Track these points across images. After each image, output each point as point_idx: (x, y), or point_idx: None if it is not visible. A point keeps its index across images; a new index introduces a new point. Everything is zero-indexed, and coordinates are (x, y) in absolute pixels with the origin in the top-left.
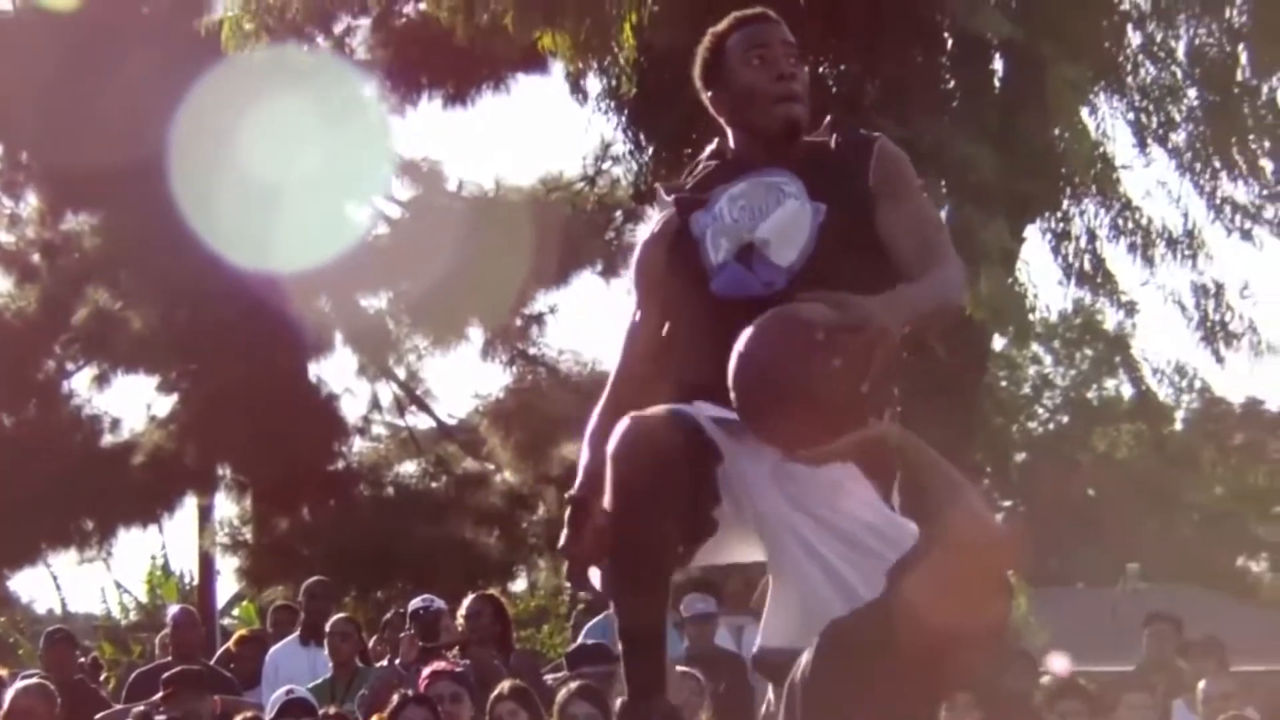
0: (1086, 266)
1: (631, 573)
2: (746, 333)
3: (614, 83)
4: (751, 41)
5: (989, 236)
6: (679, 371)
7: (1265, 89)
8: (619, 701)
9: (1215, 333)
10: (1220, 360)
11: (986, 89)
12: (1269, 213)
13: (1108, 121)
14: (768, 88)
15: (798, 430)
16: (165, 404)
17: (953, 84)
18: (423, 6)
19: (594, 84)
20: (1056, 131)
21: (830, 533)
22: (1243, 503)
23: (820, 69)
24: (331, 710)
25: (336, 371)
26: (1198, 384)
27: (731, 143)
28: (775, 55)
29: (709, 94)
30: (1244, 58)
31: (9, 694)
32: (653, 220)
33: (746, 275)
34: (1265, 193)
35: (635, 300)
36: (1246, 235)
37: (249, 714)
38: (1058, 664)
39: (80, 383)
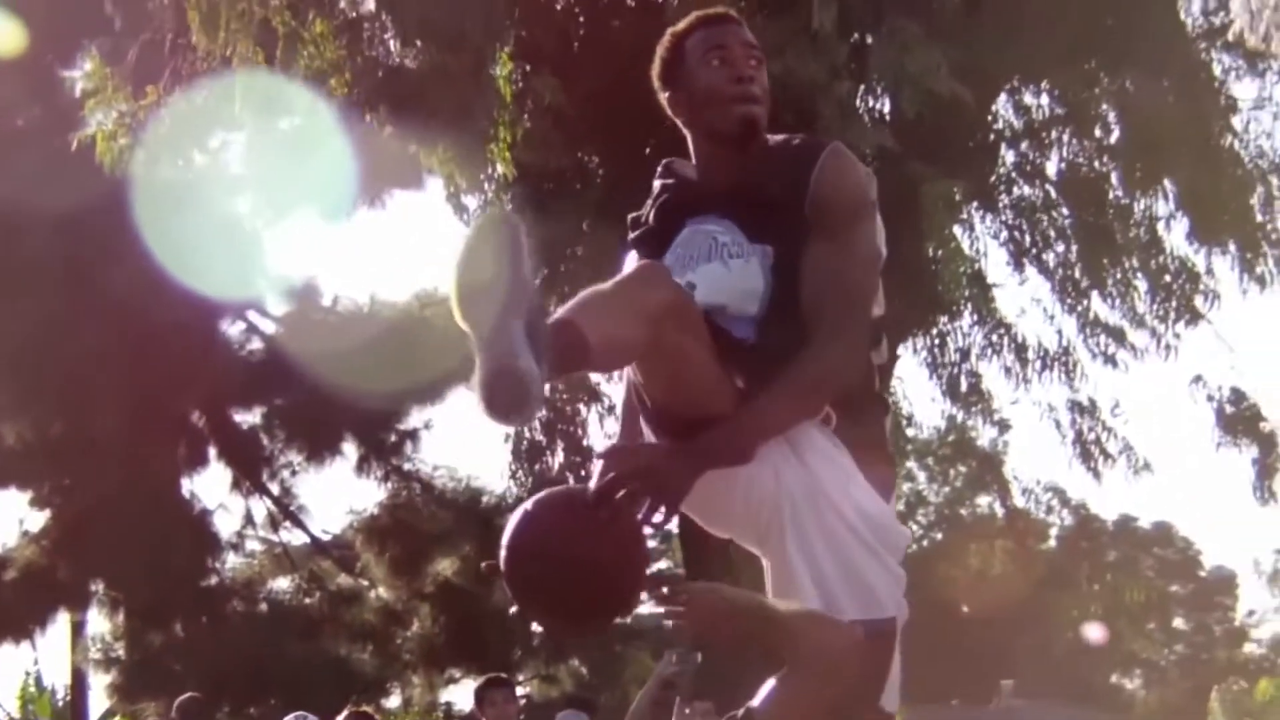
0: (961, 384)
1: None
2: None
3: (490, 199)
4: (711, 42)
5: None
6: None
7: (1137, 208)
8: None
9: (1091, 450)
10: (1098, 476)
11: None
12: (1136, 337)
13: (982, 240)
14: (726, 88)
15: (581, 602)
16: (38, 519)
17: None
18: (298, 122)
19: (470, 200)
20: (930, 249)
21: (837, 517)
22: (1117, 620)
23: None
24: None
25: (210, 487)
26: (1073, 500)
27: (691, 147)
28: (735, 56)
29: (666, 94)
30: (1114, 177)
31: None
32: (627, 263)
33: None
34: (1134, 315)
35: None
36: (1110, 360)
37: None
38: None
39: None
